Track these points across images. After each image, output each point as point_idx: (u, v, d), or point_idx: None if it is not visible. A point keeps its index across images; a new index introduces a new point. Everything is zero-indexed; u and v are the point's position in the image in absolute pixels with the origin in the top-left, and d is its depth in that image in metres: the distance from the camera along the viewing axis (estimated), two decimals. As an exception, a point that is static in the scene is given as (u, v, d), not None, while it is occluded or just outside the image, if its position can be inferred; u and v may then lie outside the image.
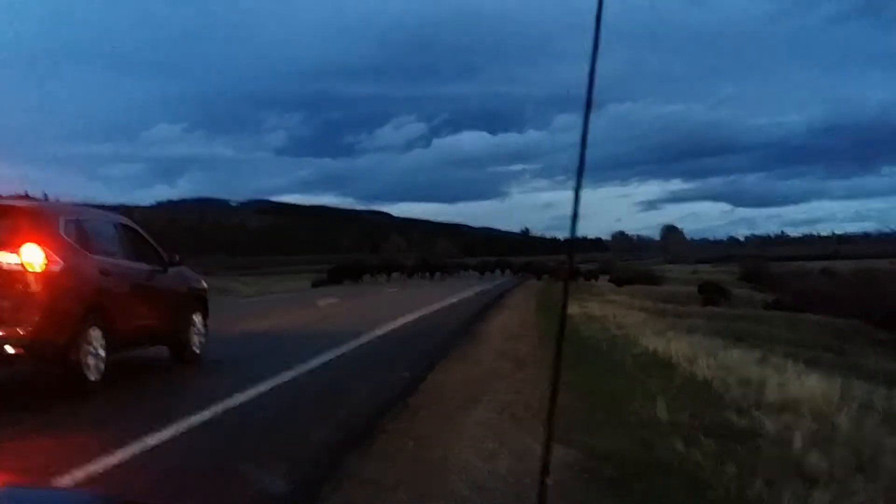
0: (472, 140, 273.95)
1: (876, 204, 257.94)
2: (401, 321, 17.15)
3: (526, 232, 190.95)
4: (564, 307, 3.03)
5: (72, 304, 7.72)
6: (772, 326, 31.09)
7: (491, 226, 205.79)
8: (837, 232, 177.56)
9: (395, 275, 60.29)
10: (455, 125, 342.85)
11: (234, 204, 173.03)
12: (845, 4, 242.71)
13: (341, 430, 6.54)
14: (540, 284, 48.96)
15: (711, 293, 52.69)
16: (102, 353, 8.03)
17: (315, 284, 47.23)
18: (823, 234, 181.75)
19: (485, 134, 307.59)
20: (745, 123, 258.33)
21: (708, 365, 10.56)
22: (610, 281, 64.24)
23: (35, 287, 7.40)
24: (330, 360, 10.63)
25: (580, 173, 2.44)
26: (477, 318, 19.65)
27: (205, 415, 6.74)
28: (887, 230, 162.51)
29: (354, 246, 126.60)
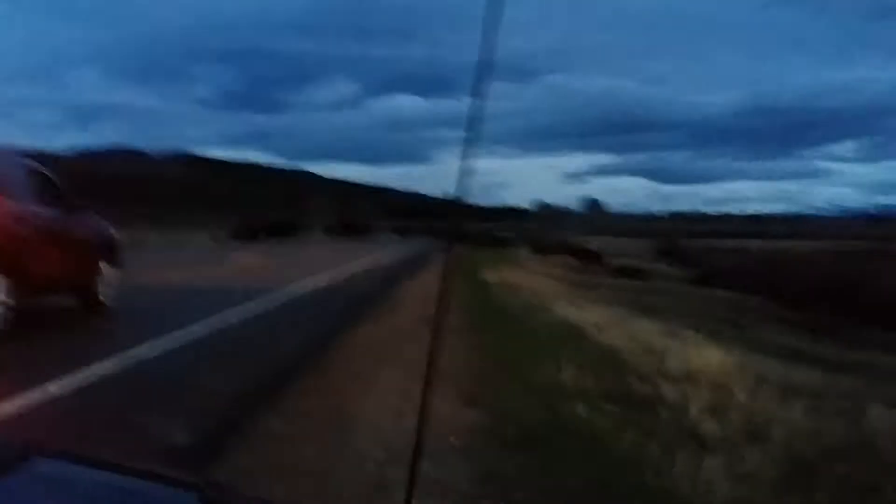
0: (404, 103, 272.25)
1: (790, 186, 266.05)
2: (316, 279, 17.08)
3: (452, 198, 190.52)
4: (445, 291, 3.08)
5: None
6: (680, 300, 31.98)
7: (417, 190, 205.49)
8: (753, 212, 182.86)
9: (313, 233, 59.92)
10: (388, 87, 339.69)
11: (154, 155, 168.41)
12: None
13: (247, 385, 6.52)
14: (461, 250, 49.13)
15: (626, 270, 53.85)
16: (8, 300, 7.82)
17: (236, 237, 46.64)
18: (740, 213, 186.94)
19: (417, 98, 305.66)
20: (672, 102, 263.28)
21: (615, 334, 10.86)
22: (532, 251, 65.02)
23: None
24: (241, 315, 10.55)
25: (467, 143, 2.49)
26: (394, 279, 19.70)
27: (107, 365, 6.64)
28: (800, 212, 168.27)
29: (277, 203, 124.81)
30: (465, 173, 2.52)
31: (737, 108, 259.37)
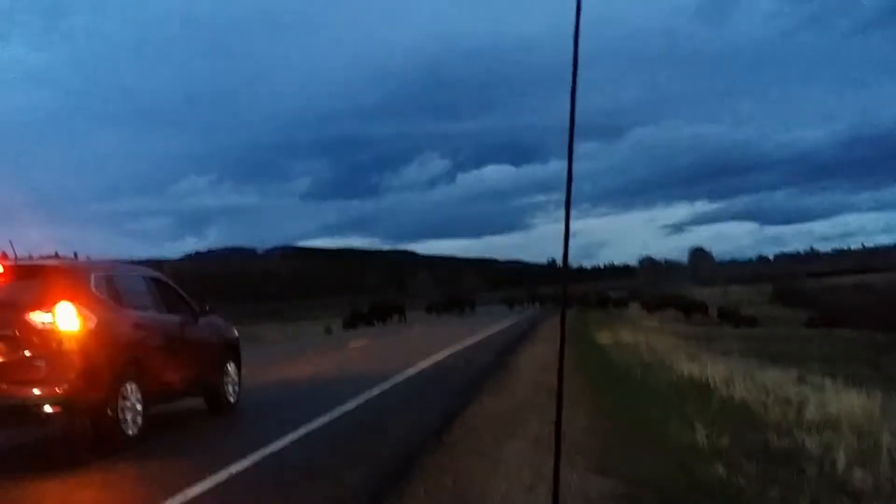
0: (495, 173, 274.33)
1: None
2: (431, 359, 17.12)
3: (552, 262, 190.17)
4: (562, 334, 3.02)
5: (107, 360, 7.76)
6: (807, 345, 30.68)
7: (517, 258, 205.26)
8: (868, 245, 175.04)
9: (422, 313, 60.47)
10: (478, 159, 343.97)
11: (260, 251, 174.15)
12: (861, 18, 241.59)
13: (378, 469, 6.53)
14: (570, 314, 48.62)
15: (733, 317, 52.15)
16: (139, 406, 8.08)
17: (345, 326, 47.32)
18: (854, 247, 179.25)
19: (508, 166, 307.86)
20: (767, 140, 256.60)
21: (745, 387, 10.45)
22: (641, 307, 63.81)
23: (70, 345, 7.46)
24: (362, 402, 10.61)
25: (568, 201, 2.45)
26: (508, 351, 19.57)
27: (244, 463, 6.75)
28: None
29: (381, 285, 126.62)
30: (567, 237, 2.50)
31: (836, 140, 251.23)
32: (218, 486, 6.04)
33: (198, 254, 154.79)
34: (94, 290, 8.10)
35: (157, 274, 10.13)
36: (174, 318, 9.47)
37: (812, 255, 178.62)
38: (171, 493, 5.72)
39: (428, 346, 20.52)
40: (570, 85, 2.39)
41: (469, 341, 23.65)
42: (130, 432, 7.86)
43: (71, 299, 7.62)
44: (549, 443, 7.53)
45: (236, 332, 11.50)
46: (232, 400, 10.57)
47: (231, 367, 10.74)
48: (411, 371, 14.48)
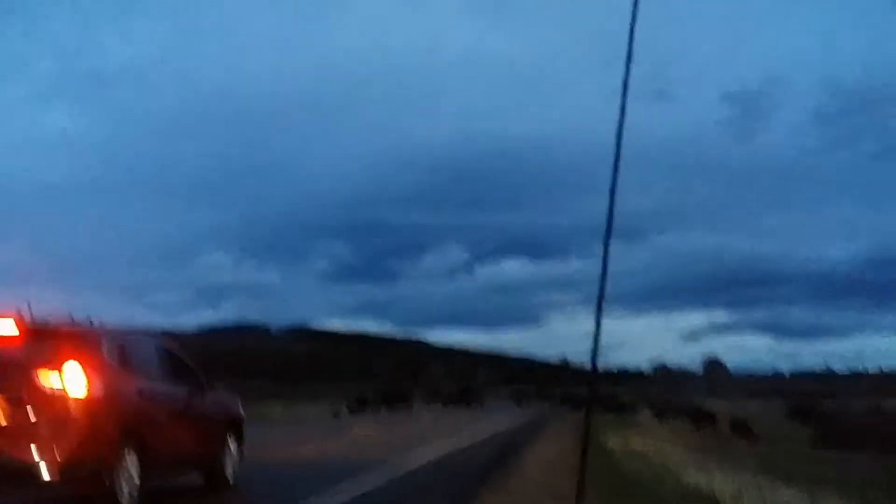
0: (513, 267, 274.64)
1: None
2: (437, 451, 16.88)
3: (564, 360, 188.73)
4: (586, 441, 2.97)
5: (110, 427, 7.70)
6: (820, 466, 29.99)
7: (530, 353, 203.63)
8: (886, 367, 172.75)
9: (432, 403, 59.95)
10: (498, 252, 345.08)
11: (274, 330, 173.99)
12: (887, 141, 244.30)
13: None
14: (578, 415, 48.05)
15: (745, 430, 51.19)
16: (136, 479, 7.98)
17: (351, 411, 46.85)
18: (871, 368, 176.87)
19: (527, 262, 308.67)
20: (789, 255, 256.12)
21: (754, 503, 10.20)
22: (652, 414, 62.86)
23: (74, 409, 7.41)
24: (362, 489, 10.42)
25: (600, 304, 2.45)
26: (514, 450, 19.26)
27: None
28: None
29: (394, 373, 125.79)
30: (598, 339, 2.48)
31: (860, 259, 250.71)
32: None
33: (211, 329, 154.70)
34: (104, 356, 8.09)
35: (169, 344, 10.13)
36: (182, 391, 9.42)
37: (828, 374, 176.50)
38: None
39: (433, 439, 20.24)
40: (610, 184, 2.43)
41: (475, 436, 23.33)
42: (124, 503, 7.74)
43: (80, 363, 7.61)
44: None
45: (242, 409, 11.41)
46: (230, 478, 10.42)
47: (233, 444, 10.63)
48: (413, 463, 14.25)
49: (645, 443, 24.48)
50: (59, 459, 7.23)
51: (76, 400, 7.43)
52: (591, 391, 2.83)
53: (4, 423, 7.30)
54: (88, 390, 7.51)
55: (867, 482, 25.97)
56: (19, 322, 8.08)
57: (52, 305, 9.34)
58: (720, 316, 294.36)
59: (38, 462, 7.22)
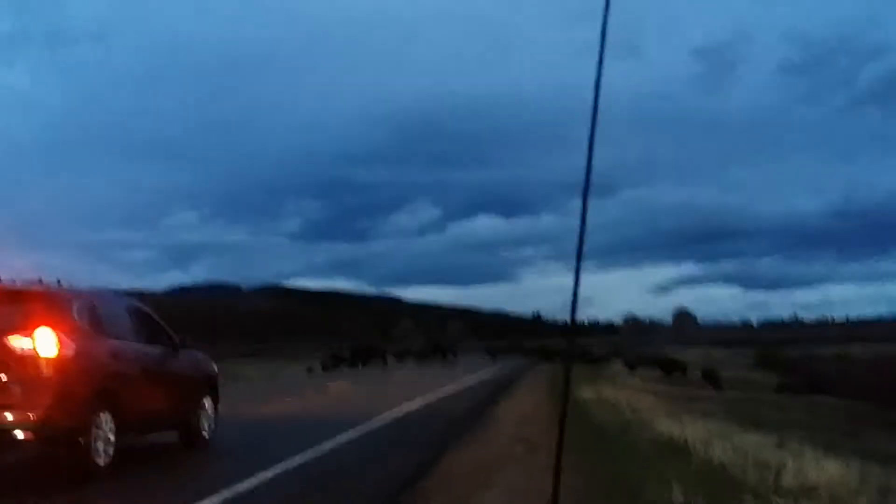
0: (485, 224, 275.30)
1: (890, 288, 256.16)
2: (410, 404, 17.02)
3: (537, 315, 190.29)
4: (566, 391, 3.02)
5: (83, 388, 7.69)
6: (787, 411, 30.66)
7: (502, 308, 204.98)
8: (851, 316, 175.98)
9: (406, 359, 60.27)
10: (469, 210, 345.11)
11: (244, 289, 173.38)
12: (856, 93, 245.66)
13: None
14: (552, 367, 48.60)
15: (715, 379, 52.07)
16: (112, 437, 7.99)
17: (325, 367, 46.93)
18: (837, 317, 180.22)
19: (498, 218, 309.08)
20: (757, 208, 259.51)
21: (724, 449, 10.40)
22: (623, 365, 63.65)
23: (47, 372, 7.40)
24: (338, 443, 10.52)
25: (579, 259, 2.47)
26: (488, 401, 19.48)
27: (213, 500, 6.65)
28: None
29: (365, 330, 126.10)
30: (577, 291, 2.50)
31: (826, 211, 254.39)
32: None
33: (181, 288, 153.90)
34: (75, 317, 8.04)
35: (140, 304, 10.08)
36: (154, 350, 9.40)
37: (795, 323, 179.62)
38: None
39: (406, 393, 20.39)
40: (588, 141, 2.43)
41: (449, 389, 23.53)
42: (101, 462, 7.76)
43: (51, 325, 7.57)
44: (526, 496, 7.47)
45: (215, 367, 11.42)
46: (207, 435, 10.46)
47: (208, 403, 10.65)
48: (388, 416, 14.37)
49: (617, 393, 24.82)
50: (33, 421, 7.23)
51: (48, 361, 7.40)
52: (570, 344, 2.85)
53: (-23, 385, 7.26)
54: (60, 351, 7.48)
55: (831, 426, 26.60)
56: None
57: (19, 267, 9.23)
58: (690, 268, 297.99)
59: (12, 424, 7.21)
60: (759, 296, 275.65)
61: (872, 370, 53.15)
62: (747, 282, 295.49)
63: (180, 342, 10.12)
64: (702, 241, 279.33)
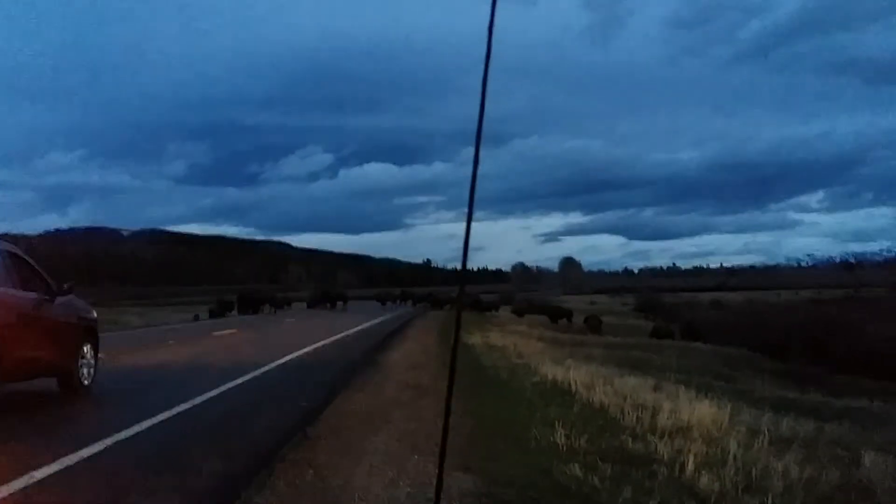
0: (377, 171, 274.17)
1: (762, 238, 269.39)
2: (299, 352, 16.95)
3: (428, 263, 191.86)
4: (456, 337, 3.05)
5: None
6: (665, 355, 31.96)
7: (393, 257, 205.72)
8: (726, 265, 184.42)
9: (294, 305, 59.82)
10: (362, 157, 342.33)
11: (126, 233, 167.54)
12: (735, 49, 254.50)
13: (237, 460, 6.38)
14: (442, 314, 49.17)
15: (597, 325, 53.94)
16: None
17: (212, 315, 46.13)
18: (713, 266, 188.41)
19: (391, 166, 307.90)
20: (641, 160, 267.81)
21: (604, 392, 10.79)
22: (511, 312, 64.97)
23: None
24: (225, 391, 10.39)
25: (471, 207, 2.46)
26: (378, 348, 19.58)
27: (94, 448, 6.49)
28: (773, 263, 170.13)
29: (253, 276, 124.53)
30: (468, 239, 2.49)
31: (705, 164, 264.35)
32: (66, 469, 5.78)
33: (58, 231, 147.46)
34: (-59, 260, 7.62)
35: (12, 248, 9.60)
36: (29, 296, 9.01)
37: (674, 271, 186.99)
38: (18, 474, 5.44)
39: (295, 340, 20.29)
40: (480, 88, 2.40)
41: (338, 336, 23.54)
42: (-27, 412, 7.45)
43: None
44: (413, 439, 7.58)
45: (94, 314, 11.06)
46: (87, 383, 10.17)
47: (88, 350, 10.34)
48: (275, 363, 14.28)
49: (505, 339, 25.34)
50: None
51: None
52: (461, 292, 2.88)
53: None
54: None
55: (706, 370, 27.91)
56: None
57: None
58: (576, 218, 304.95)
59: None
60: (641, 245, 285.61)
61: (743, 317, 55.92)
62: (630, 231, 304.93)
63: (57, 288, 9.74)
64: (588, 191, 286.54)
